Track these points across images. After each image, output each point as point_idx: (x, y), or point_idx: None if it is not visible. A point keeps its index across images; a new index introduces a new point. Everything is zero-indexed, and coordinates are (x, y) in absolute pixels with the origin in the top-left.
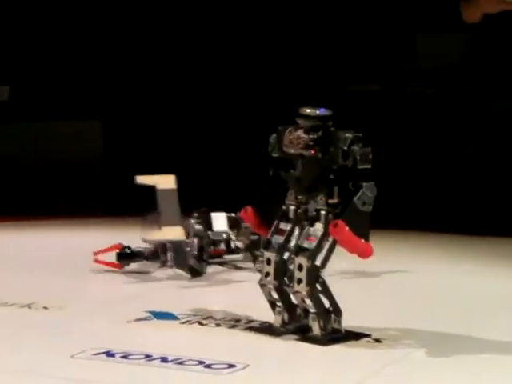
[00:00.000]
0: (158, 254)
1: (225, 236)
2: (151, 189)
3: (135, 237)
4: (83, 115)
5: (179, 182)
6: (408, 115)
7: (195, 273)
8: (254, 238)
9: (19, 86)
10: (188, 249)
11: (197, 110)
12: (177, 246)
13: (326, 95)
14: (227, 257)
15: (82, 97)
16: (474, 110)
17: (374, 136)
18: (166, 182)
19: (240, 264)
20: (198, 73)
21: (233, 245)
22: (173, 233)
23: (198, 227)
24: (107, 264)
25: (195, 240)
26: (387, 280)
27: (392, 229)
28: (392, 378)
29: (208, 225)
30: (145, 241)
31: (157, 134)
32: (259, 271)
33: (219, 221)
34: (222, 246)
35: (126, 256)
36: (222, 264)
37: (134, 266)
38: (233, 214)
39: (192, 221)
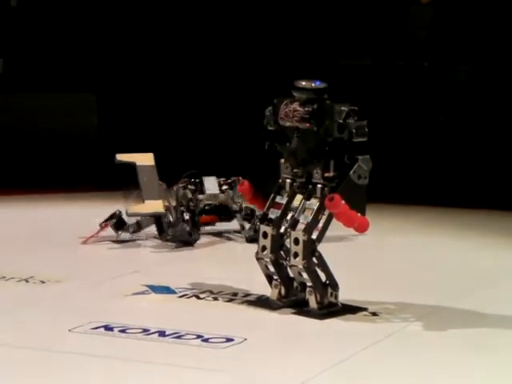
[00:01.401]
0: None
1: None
2: (131, 166)
3: None
4: (77, 88)
5: (174, 154)
6: (401, 88)
7: (184, 242)
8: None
9: (13, 59)
10: (171, 218)
11: (191, 82)
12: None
13: (319, 68)
14: (220, 224)
15: (75, 70)
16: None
17: (369, 109)
18: (144, 159)
19: (235, 235)
20: (193, 46)
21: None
22: (155, 206)
23: (184, 191)
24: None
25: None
26: (384, 253)
27: (388, 203)
28: (388, 350)
29: (198, 189)
30: (129, 214)
31: (151, 108)
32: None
33: (211, 184)
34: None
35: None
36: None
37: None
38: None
39: (180, 185)
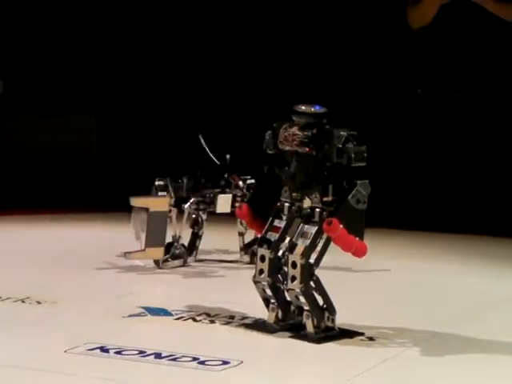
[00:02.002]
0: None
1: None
2: (144, 209)
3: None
4: (78, 110)
5: (172, 170)
6: (402, 114)
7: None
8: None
9: (13, 81)
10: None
11: (192, 106)
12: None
13: (321, 93)
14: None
15: (76, 91)
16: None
17: (368, 134)
18: (158, 205)
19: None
20: (194, 69)
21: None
22: (154, 254)
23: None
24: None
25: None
26: (380, 278)
27: (383, 227)
28: (385, 375)
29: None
30: (127, 258)
31: (151, 132)
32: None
33: (222, 201)
34: None
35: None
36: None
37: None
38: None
39: (192, 203)
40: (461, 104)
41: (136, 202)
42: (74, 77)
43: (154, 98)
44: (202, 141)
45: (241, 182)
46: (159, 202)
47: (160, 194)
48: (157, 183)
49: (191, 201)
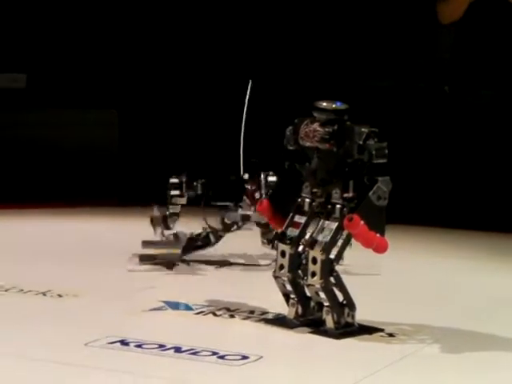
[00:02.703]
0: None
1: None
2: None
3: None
4: (100, 104)
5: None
6: (426, 111)
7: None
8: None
9: (36, 74)
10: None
11: (213, 100)
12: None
13: (342, 89)
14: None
15: (98, 85)
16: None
17: (390, 131)
18: (167, 256)
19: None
20: (215, 63)
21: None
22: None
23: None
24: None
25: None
26: (400, 275)
27: (405, 224)
28: (404, 372)
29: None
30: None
31: (173, 127)
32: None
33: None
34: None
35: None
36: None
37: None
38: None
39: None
40: (488, 101)
41: (146, 247)
42: (97, 70)
43: (177, 93)
44: (249, 88)
45: (257, 194)
46: (168, 254)
47: (173, 192)
48: (171, 181)
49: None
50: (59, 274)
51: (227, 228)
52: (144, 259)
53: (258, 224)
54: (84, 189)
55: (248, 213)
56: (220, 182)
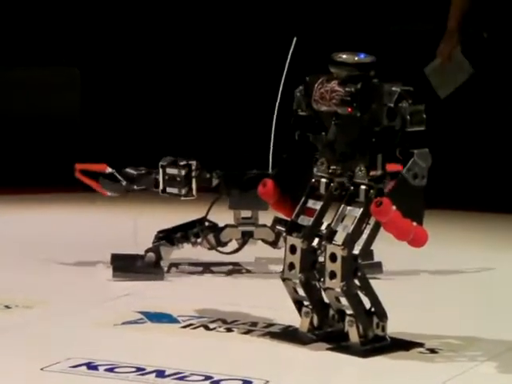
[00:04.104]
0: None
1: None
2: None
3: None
4: (60, 61)
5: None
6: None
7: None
8: None
9: None
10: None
11: (187, 59)
12: None
13: (365, 36)
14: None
15: (57, 41)
16: None
17: (428, 90)
18: None
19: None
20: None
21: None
22: None
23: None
24: (90, 182)
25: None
26: (442, 274)
27: (450, 208)
28: None
29: None
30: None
31: (140, 84)
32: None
33: None
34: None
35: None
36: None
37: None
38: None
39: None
40: None
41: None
42: (54, 24)
43: (144, 48)
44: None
45: None
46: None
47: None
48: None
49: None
50: (6, 279)
51: (222, 246)
52: (118, 271)
53: (265, 241)
54: (38, 168)
55: (250, 229)
56: (240, 175)
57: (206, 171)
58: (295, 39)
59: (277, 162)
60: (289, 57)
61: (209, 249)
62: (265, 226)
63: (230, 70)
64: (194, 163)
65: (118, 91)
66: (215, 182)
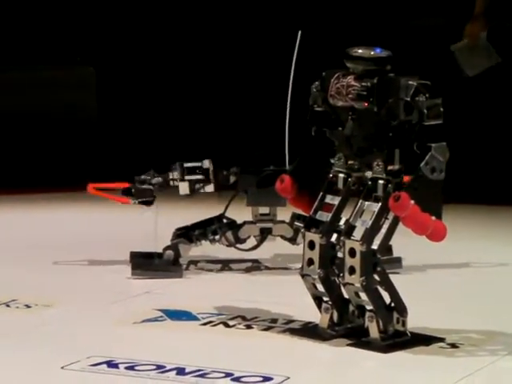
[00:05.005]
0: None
1: None
2: None
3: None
4: (74, 61)
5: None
6: None
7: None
8: None
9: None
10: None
11: (208, 55)
12: None
13: (381, 31)
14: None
15: (72, 40)
16: None
17: (443, 84)
18: None
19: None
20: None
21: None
22: None
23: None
24: (109, 196)
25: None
26: (461, 268)
27: (468, 203)
28: None
29: None
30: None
31: (155, 82)
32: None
33: None
34: None
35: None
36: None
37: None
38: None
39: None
40: None
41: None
42: (70, 23)
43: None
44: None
45: None
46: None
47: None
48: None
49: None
50: (25, 278)
51: (241, 243)
52: (137, 269)
53: (283, 238)
54: (55, 168)
55: (268, 225)
56: (257, 172)
57: (223, 169)
58: (300, 33)
59: (293, 158)
60: (295, 51)
61: (227, 246)
62: (283, 222)
63: (243, 67)
64: (206, 162)
65: (134, 90)
66: (232, 179)
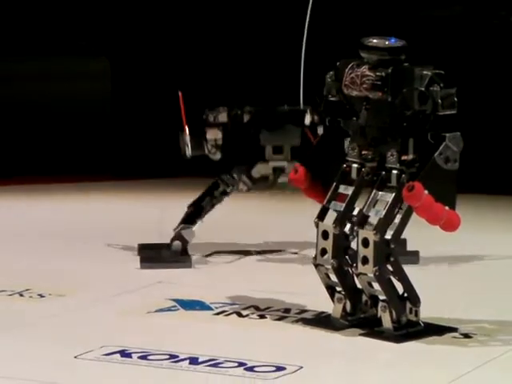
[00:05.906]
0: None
1: None
2: None
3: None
4: (88, 51)
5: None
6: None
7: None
8: None
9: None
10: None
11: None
12: None
13: (396, 21)
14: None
15: (86, 30)
16: None
17: (459, 73)
18: None
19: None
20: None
21: None
22: None
23: None
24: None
25: None
26: (473, 258)
27: (482, 193)
28: (487, 383)
29: None
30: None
31: (169, 71)
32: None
33: None
34: None
35: None
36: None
37: None
38: None
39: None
40: None
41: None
42: (84, 13)
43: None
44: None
45: None
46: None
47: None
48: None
49: None
50: (39, 268)
51: (255, 183)
52: (146, 261)
53: None
54: (69, 158)
55: (281, 164)
56: (272, 111)
57: (237, 108)
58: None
59: (307, 98)
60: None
61: (246, 191)
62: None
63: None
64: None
65: (148, 80)
66: (246, 117)
